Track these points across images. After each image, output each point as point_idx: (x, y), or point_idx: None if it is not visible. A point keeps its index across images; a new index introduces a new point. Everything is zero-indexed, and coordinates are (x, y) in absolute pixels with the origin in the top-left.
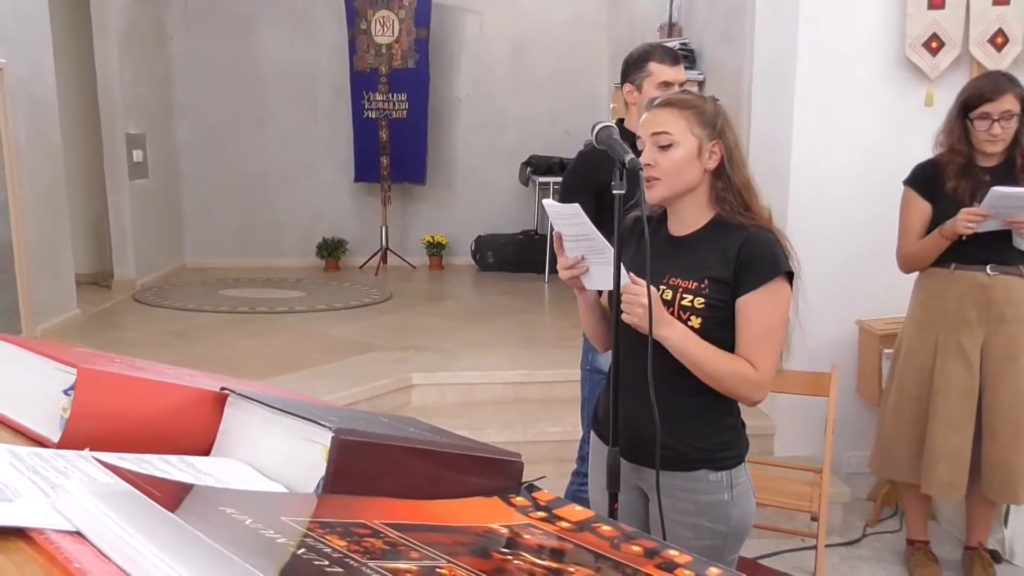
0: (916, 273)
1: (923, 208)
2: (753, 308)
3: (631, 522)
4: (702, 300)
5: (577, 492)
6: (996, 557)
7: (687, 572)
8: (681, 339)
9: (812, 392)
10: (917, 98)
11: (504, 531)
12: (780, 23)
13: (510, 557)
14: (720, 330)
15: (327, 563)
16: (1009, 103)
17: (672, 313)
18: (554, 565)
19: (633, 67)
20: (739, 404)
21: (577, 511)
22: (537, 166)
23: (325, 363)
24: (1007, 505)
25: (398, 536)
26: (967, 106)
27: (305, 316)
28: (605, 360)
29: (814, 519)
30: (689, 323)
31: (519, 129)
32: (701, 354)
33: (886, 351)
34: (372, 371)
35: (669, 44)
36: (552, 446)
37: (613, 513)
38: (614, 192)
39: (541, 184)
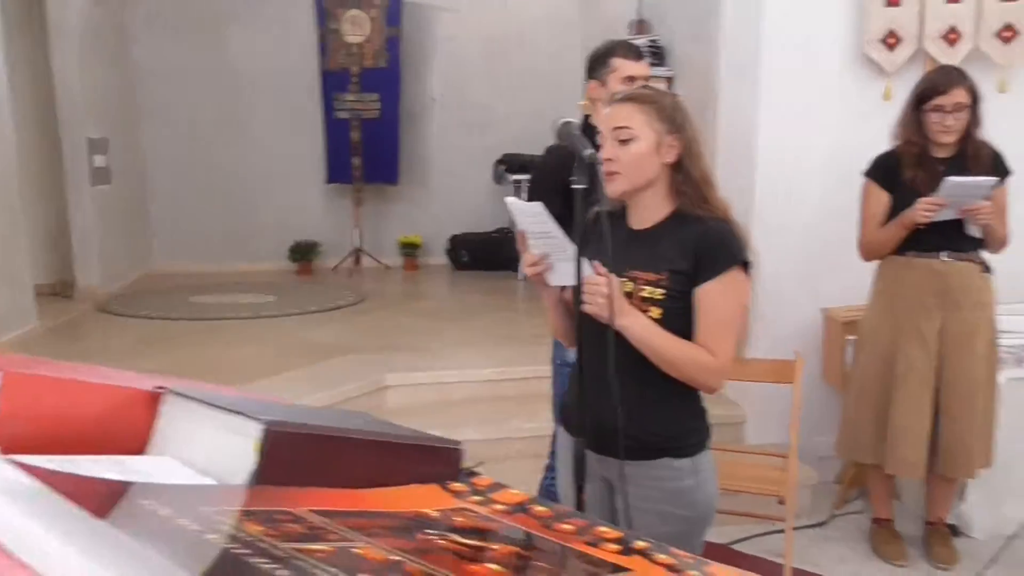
0: (877, 261)
1: (882, 198)
2: (711, 297)
3: (598, 513)
4: (662, 291)
5: (549, 486)
6: (955, 531)
7: (613, 546)
8: (642, 328)
9: (778, 380)
10: (876, 92)
11: (435, 515)
12: (746, 21)
13: (434, 537)
14: (680, 320)
15: (238, 546)
16: (960, 96)
17: (632, 304)
18: (479, 543)
19: (597, 63)
20: (701, 392)
21: (513, 494)
22: (510, 164)
23: (299, 367)
24: (966, 481)
25: (320, 521)
26: (921, 99)
27: (278, 320)
28: (573, 354)
29: (782, 503)
30: (649, 314)
31: (492, 127)
32: (660, 343)
33: (849, 338)
34: (346, 374)
35: (637, 41)
36: (528, 442)
37: (580, 504)
38: (574, 187)
39: (515, 182)
